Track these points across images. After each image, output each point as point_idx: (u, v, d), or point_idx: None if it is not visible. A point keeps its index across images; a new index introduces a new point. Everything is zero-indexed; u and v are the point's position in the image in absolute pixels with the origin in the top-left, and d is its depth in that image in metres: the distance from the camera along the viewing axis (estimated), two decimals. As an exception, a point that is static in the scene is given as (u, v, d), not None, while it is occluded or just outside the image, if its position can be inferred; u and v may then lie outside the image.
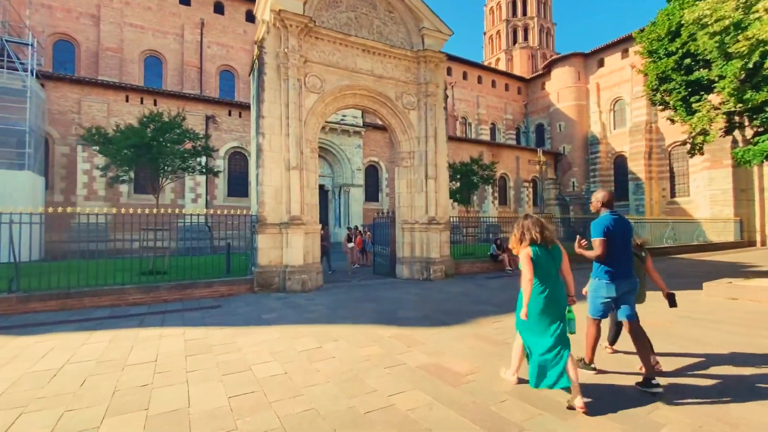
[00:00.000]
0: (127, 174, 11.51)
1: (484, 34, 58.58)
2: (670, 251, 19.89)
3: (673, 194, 31.39)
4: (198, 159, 12.50)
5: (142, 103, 21.20)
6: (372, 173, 28.05)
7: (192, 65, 27.44)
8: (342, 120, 24.89)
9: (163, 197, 21.85)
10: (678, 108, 12.41)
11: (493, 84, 41.25)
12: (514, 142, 40.22)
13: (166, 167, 10.87)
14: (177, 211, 9.98)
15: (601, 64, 35.74)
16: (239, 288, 9.20)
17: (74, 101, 19.92)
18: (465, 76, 39.19)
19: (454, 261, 12.06)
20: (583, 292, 4.00)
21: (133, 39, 26.21)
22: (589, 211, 33.71)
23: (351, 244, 13.70)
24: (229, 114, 23.46)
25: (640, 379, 3.58)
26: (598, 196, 3.81)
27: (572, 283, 3.46)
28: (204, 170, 12.58)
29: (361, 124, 25.83)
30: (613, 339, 4.56)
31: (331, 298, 8.58)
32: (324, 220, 26.61)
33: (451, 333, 5.50)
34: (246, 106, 23.20)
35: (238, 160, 24.03)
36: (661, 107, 13.28)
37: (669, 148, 31.28)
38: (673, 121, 13.24)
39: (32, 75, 16.83)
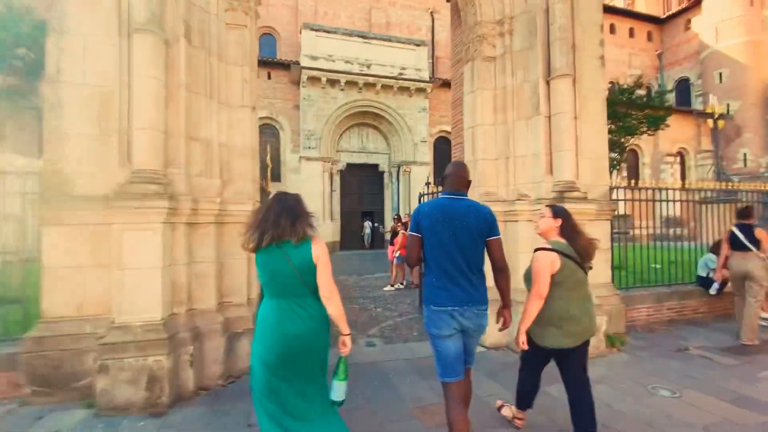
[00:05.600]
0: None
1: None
2: None
3: None
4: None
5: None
6: (442, 147, 20.86)
7: None
8: (401, 74, 18.19)
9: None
10: None
11: (612, 29, 30.74)
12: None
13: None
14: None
15: (796, -26, 23.57)
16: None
17: None
18: (571, 21, 29.59)
19: (619, 297, 4.71)
20: None
21: None
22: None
23: None
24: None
25: None
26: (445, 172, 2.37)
27: (341, 314, 1.96)
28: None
29: (427, 78, 18.83)
30: (525, 400, 2.66)
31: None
32: (380, 209, 20.35)
33: None
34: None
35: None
36: None
37: None
38: None
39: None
